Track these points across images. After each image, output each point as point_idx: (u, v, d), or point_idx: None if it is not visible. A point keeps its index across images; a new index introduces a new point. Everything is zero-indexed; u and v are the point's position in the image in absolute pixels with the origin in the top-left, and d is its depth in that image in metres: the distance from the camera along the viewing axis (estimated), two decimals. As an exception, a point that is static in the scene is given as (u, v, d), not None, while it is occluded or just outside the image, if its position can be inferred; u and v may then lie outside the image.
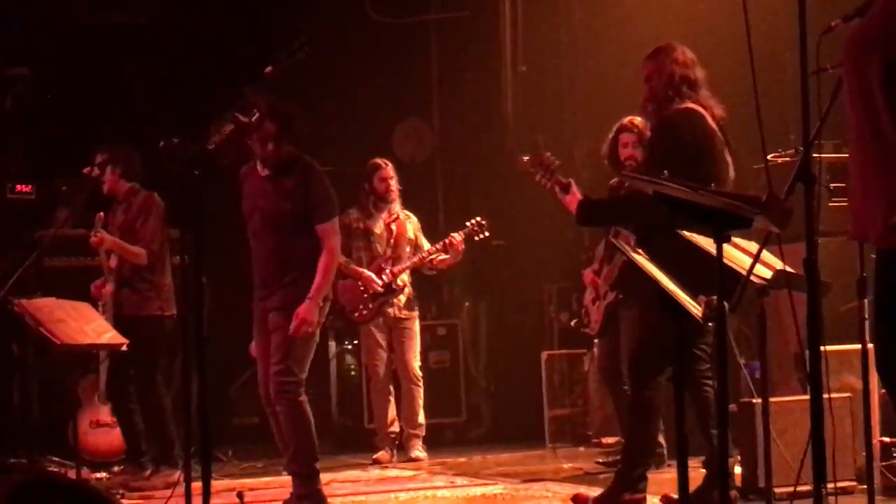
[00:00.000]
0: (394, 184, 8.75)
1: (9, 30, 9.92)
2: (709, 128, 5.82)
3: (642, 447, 5.87)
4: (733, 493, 5.59)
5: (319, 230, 6.25)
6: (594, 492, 6.15)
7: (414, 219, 8.91)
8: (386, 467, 8.41)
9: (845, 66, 3.52)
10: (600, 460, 7.96)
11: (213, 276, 8.30)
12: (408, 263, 8.69)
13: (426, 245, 8.75)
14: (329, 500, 6.46)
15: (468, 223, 8.63)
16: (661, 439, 7.48)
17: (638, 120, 7.32)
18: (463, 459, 8.70)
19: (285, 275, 6.25)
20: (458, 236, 8.54)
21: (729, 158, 5.91)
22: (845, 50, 3.53)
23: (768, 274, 4.63)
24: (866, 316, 4.83)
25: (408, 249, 8.75)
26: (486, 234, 8.64)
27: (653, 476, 6.06)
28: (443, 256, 8.65)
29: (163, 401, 7.78)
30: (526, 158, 6.31)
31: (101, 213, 7.83)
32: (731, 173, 5.92)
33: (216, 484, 5.35)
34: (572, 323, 8.87)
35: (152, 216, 7.81)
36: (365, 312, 8.70)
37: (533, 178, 6.19)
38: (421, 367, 8.80)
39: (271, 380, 6.20)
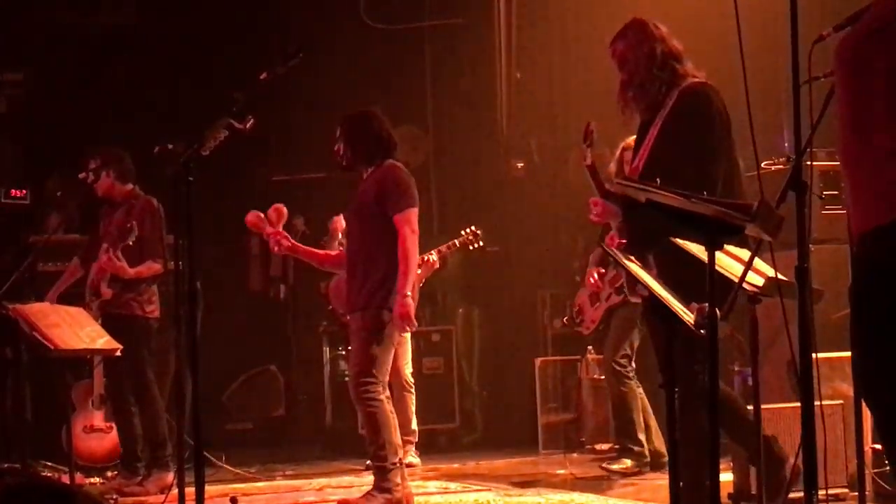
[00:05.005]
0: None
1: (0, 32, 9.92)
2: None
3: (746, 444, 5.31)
4: None
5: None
6: (588, 497, 6.15)
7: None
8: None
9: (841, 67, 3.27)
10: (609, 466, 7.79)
11: (208, 281, 8.31)
12: None
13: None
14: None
15: (463, 232, 8.55)
16: (642, 438, 7.48)
17: None
18: (456, 465, 8.70)
19: None
20: (434, 254, 8.40)
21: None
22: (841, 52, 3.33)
23: (760, 281, 4.64)
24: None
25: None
26: (481, 243, 8.58)
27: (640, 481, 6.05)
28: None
29: (156, 399, 7.76)
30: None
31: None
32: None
33: (209, 489, 5.34)
34: (564, 320, 8.80)
35: (156, 223, 7.74)
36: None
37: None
38: (414, 374, 8.77)
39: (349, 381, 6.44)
